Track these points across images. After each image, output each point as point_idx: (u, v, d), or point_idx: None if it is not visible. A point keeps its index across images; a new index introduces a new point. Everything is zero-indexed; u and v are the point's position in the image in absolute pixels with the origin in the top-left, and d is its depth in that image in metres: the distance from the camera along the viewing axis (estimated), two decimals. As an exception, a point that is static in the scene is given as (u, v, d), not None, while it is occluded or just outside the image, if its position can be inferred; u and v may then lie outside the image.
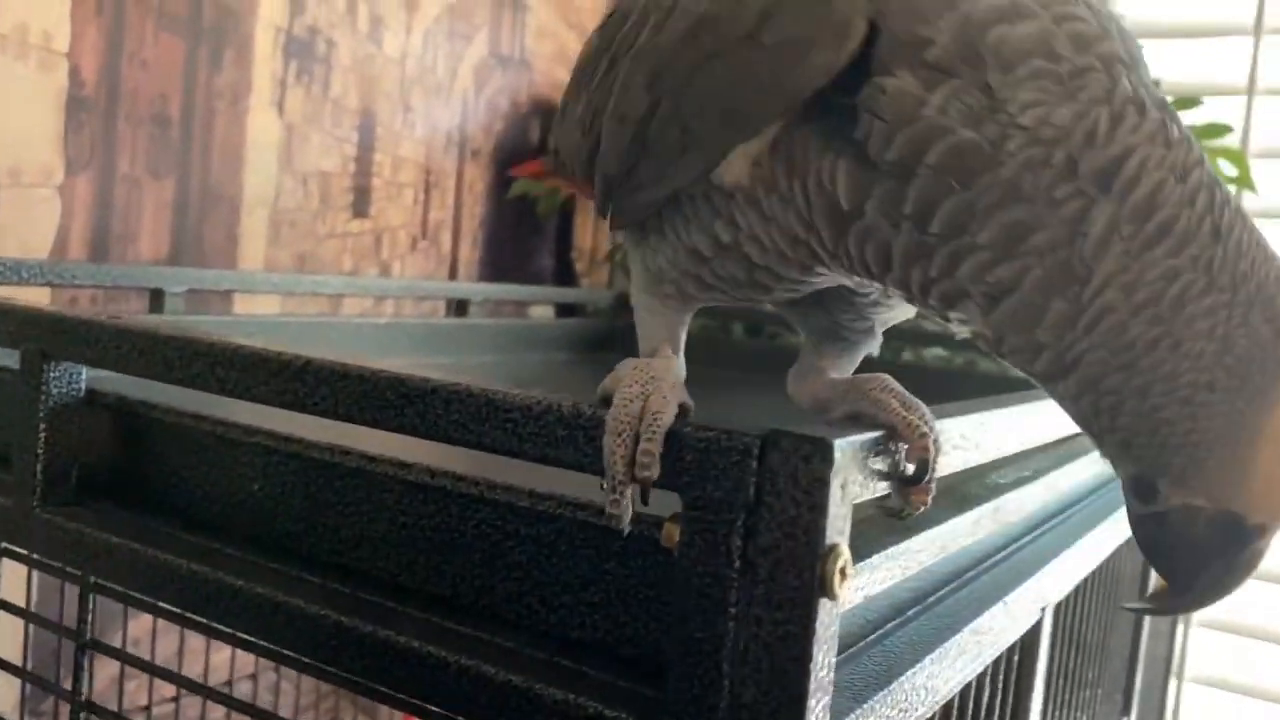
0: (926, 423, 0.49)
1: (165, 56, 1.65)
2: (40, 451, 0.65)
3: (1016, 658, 0.72)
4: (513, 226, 2.26)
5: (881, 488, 0.46)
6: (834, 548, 0.41)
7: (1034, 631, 0.73)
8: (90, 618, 0.66)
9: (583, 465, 0.46)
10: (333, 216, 1.92)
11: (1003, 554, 0.75)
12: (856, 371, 0.62)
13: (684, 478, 0.43)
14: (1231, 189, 1.65)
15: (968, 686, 0.61)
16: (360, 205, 1.96)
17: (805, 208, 0.53)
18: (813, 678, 0.41)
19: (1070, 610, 0.87)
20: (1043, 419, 0.62)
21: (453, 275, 2.13)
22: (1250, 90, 2.01)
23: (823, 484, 0.41)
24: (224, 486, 0.64)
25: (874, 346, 0.65)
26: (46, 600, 0.96)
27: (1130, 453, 0.50)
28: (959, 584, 0.67)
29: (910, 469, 0.48)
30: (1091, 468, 0.89)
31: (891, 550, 0.48)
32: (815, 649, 0.41)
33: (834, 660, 0.43)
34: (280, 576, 0.58)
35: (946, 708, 0.58)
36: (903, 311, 0.64)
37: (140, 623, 1.20)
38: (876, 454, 0.45)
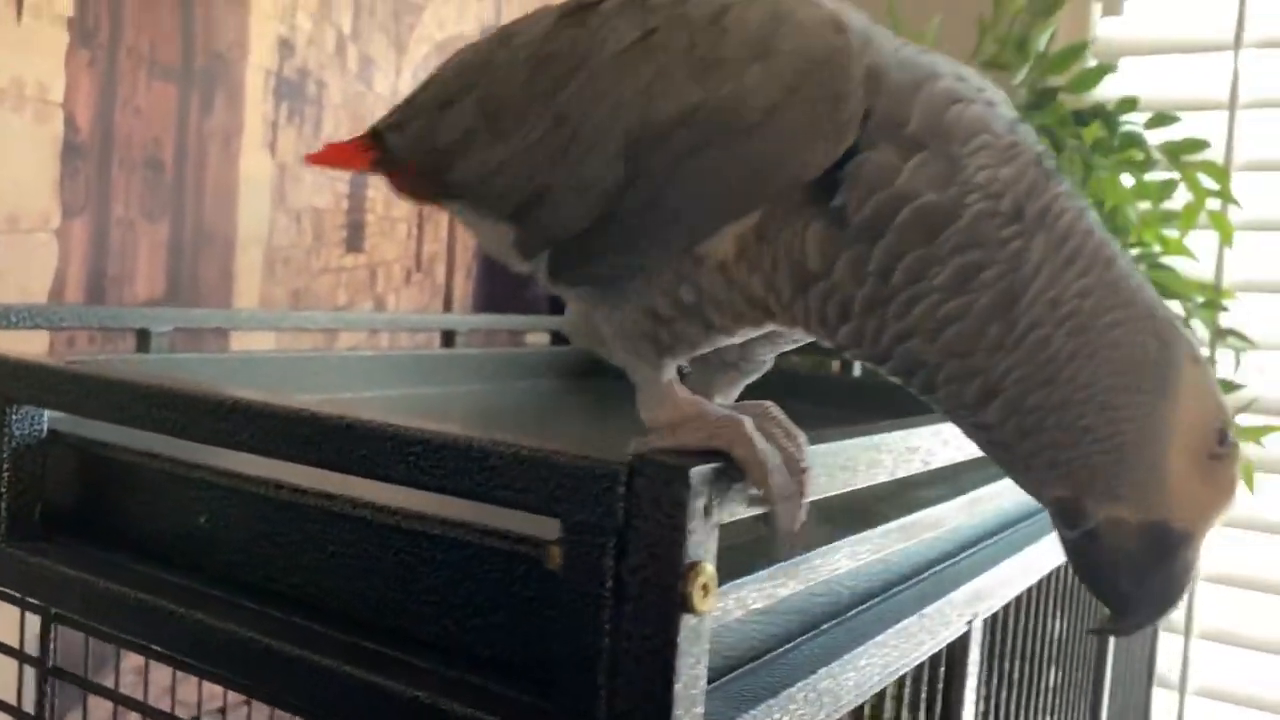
0: (802, 453, 0.53)
1: (157, 103, 1.70)
2: (4, 490, 0.69)
3: (943, 667, 0.74)
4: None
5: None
6: (694, 566, 0.44)
7: (961, 642, 0.76)
8: (52, 647, 0.69)
9: (479, 494, 0.49)
10: (326, 252, 1.97)
11: (935, 569, 0.78)
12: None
13: (562, 504, 0.46)
14: (1215, 203, 1.67)
15: (883, 693, 0.64)
16: (354, 240, 2.01)
17: (771, 271, 0.56)
18: (678, 688, 0.44)
19: (1016, 621, 0.89)
20: (923, 444, 0.65)
21: (448, 307, 2.17)
22: (1232, 104, 2.03)
23: (682, 507, 0.44)
24: (174, 519, 0.68)
25: (762, 372, 0.68)
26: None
27: (1055, 471, 0.53)
28: (883, 598, 0.70)
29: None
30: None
31: (770, 571, 0.51)
32: (679, 661, 0.44)
33: (703, 671, 0.46)
34: (219, 604, 0.61)
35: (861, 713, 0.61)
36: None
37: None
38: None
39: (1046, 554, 0.89)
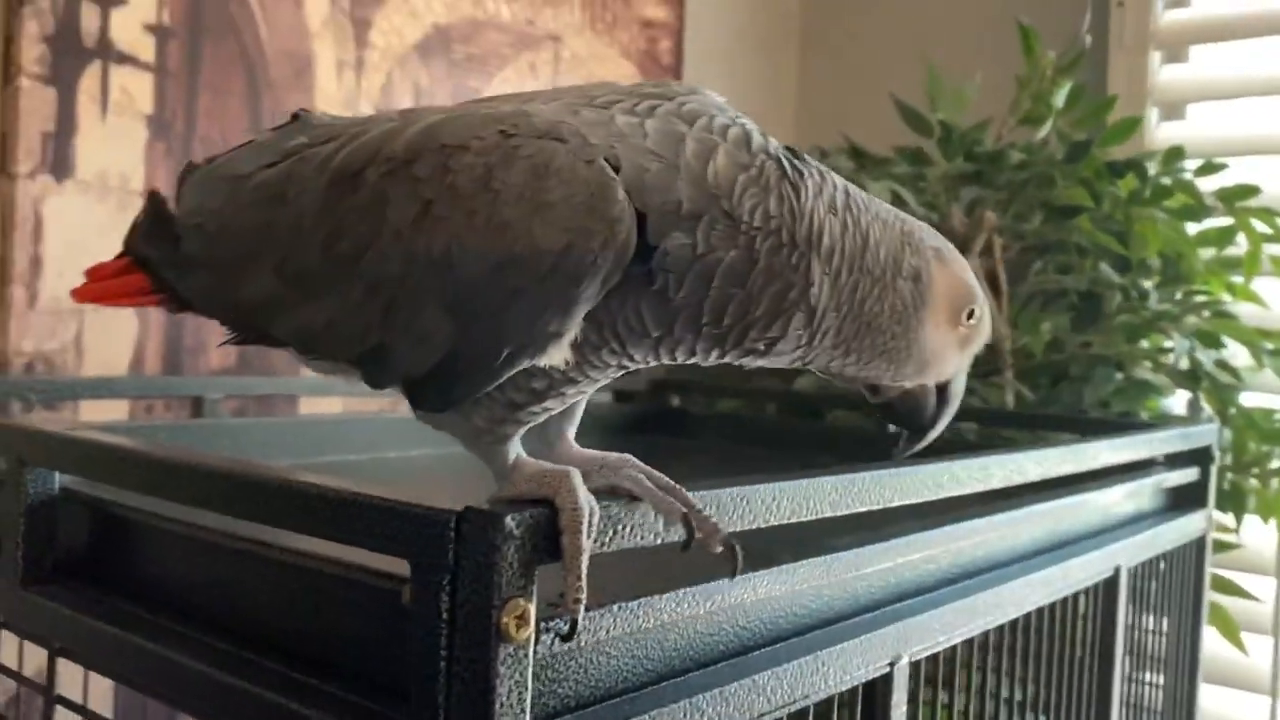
0: (681, 498, 0.61)
1: (229, 188, 1.86)
2: (20, 540, 0.81)
3: (860, 705, 0.79)
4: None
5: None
6: (508, 601, 0.51)
7: (884, 682, 0.80)
8: (54, 678, 0.80)
9: (353, 540, 0.57)
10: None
11: (865, 614, 0.83)
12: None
13: (410, 547, 0.54)
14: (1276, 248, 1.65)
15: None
16: (416, 307, 2.12)
17: (617, 343, 0.65)
18: (497, 709, 0.51)
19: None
20: (811, 492, 0.70)
21: (508, 366, 2.27)
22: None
23: (496, 549, 0.51)
24: (160, 567, 0.78)
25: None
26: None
27: (869, 373, 0.74)
28: (797, 641, 0.76)
29: (677, 535, 0.61)
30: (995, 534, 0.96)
31: (606, 609, 0.58)
32: (498, 684, 0.51)
33: (526, 694, 0.52)
34: (186, 640, 0.71)
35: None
36: None
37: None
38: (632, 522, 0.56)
39: (983, 606, 0.93)
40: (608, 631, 0.59)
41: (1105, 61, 2.34)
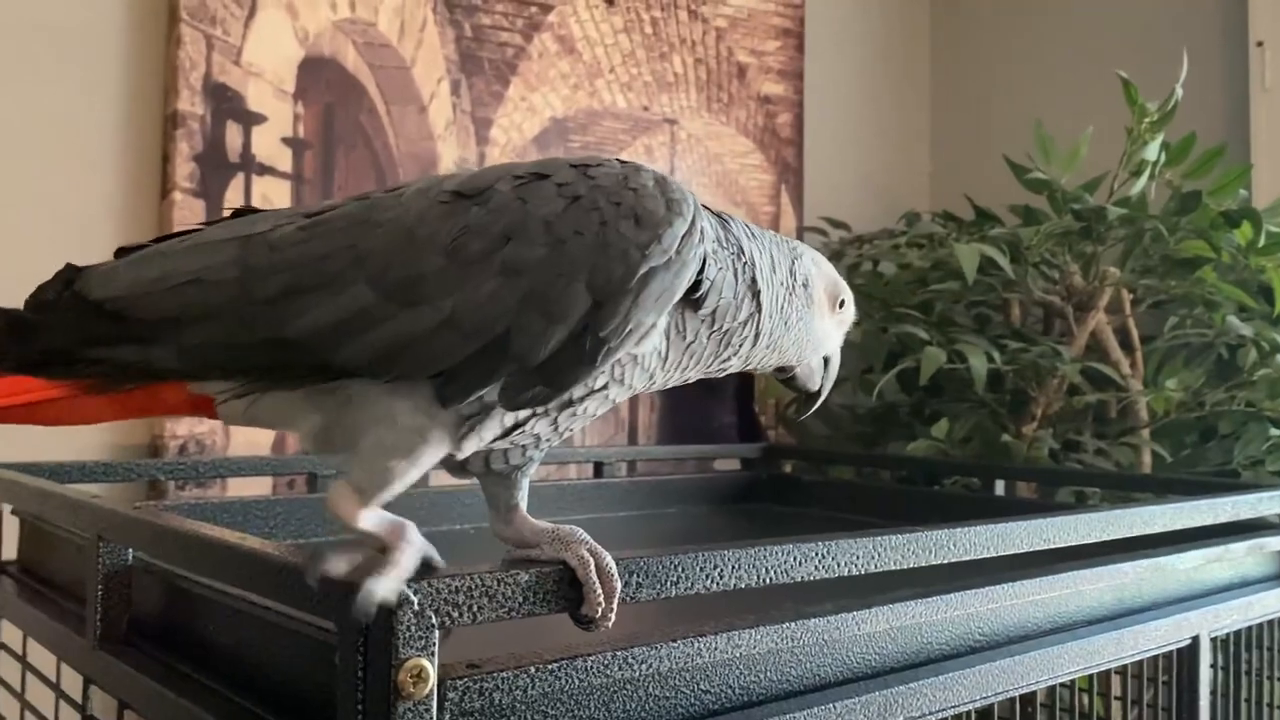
0: (613, 588, 0.69)
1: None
2: (98, 607, 0.93)
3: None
4: (691, 388, 2.45)
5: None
6: (404, 661, 0.57)
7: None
8: (122, 727, 0.91)
9: (286, 600, 0.65)
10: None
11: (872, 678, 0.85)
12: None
13: (333, 610, 0.61)
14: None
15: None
16: (539, 383, 2.23)
17: (664, 347, 0.77)
18: (396, 756, 0.57)
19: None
20: (734, 564, 0.74)
21: (632, 439, 2.35)
22: None
23: (393, 614, 0.57)
24: (209, 630, 0.88)
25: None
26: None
27: (785, 361, 0.88)
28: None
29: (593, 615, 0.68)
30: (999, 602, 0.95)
31: (512, 670, 0.63)
32: (397, 735, 0.57)
33: (428, 745, 0.58)
34: (216, 698, 0.80)
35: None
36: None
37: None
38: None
39: (978, 682, 0.92)
40: (527, 691, 0.64)
41: (1246, 103, 2.25)
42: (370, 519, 0.68)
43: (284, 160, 1.95)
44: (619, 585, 0.68)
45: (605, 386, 0.75)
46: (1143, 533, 1.11)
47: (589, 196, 0.72)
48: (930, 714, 0.87)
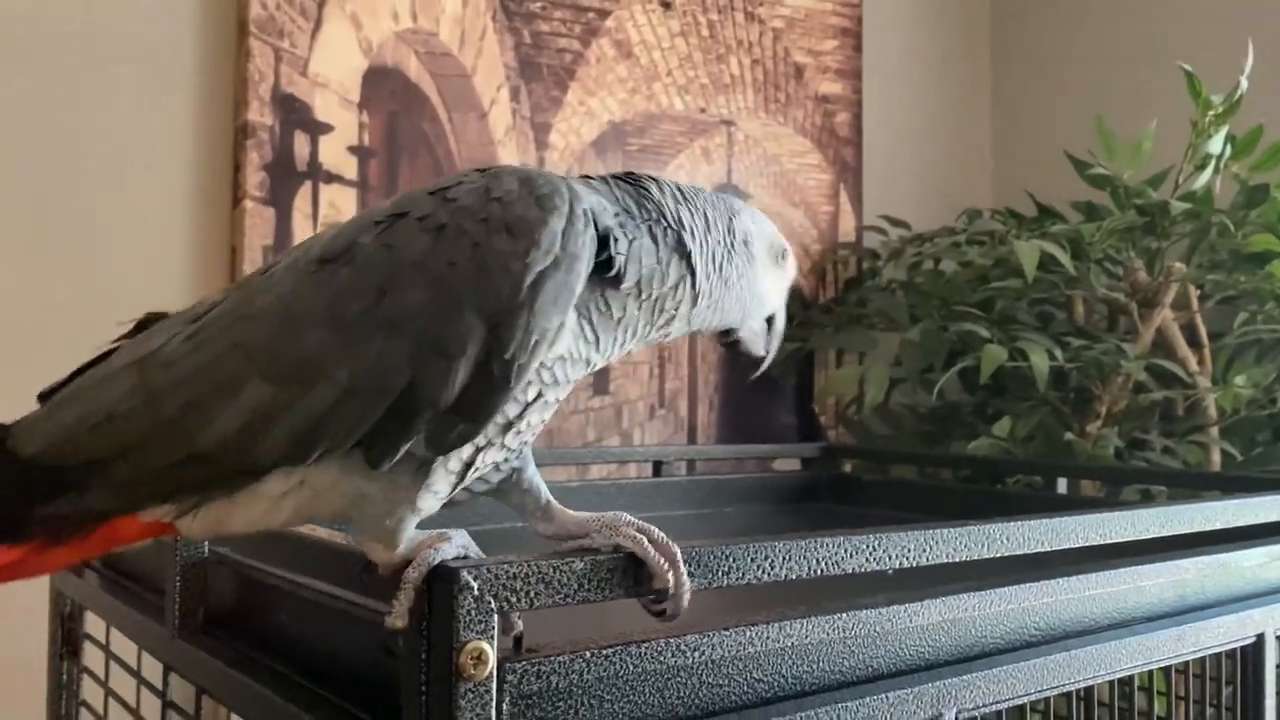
0: (673, 554, 0.69)
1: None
2: (177, 598, 0.97)
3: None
4: (750, 388, 2.47)
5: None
6: (465, 644, 0.60)
7: (924, 738, 0.82)
8: (199, 712, 0.95)
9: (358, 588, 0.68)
10: (575, 396, 2.24)
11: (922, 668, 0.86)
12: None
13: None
14: None
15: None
16: (600, 384, 2.26)
17: (591, 331, 0.77)
18: (459, 736, 0.60)
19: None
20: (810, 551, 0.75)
21: (691, 438, 2.37)
22: None
23: (454, 599, 0.60)
24: (281, 619, 0.92)
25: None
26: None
27: (728, 321, 0.87)
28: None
29: (664, 586, 0.70)
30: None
31: (568, 654, 0.65)
32: (459, 716, 0.60)
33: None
34: (282, 680, 0.84)
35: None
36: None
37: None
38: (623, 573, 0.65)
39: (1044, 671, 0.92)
40: (583, 675, 0.66)
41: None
42: (406, 546, 0.69)
43: (350, 168, 2.01)
44: (678, 551, 0.70)
45: (540, 394, 0.73)
46: (1203, 529, 1.10)
47: (454, 223, 0.69)
48: (983, 707, 0.88)
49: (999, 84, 2.97)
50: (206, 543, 0.99)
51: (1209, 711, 1.21)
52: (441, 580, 0.62)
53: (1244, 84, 1.75)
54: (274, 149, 1.93)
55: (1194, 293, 2.10)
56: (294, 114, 1.95)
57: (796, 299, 2.55)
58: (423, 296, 0.67)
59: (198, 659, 0.94)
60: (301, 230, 1.94)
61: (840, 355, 2.55)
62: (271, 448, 0.68)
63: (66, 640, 1.31)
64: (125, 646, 1.18)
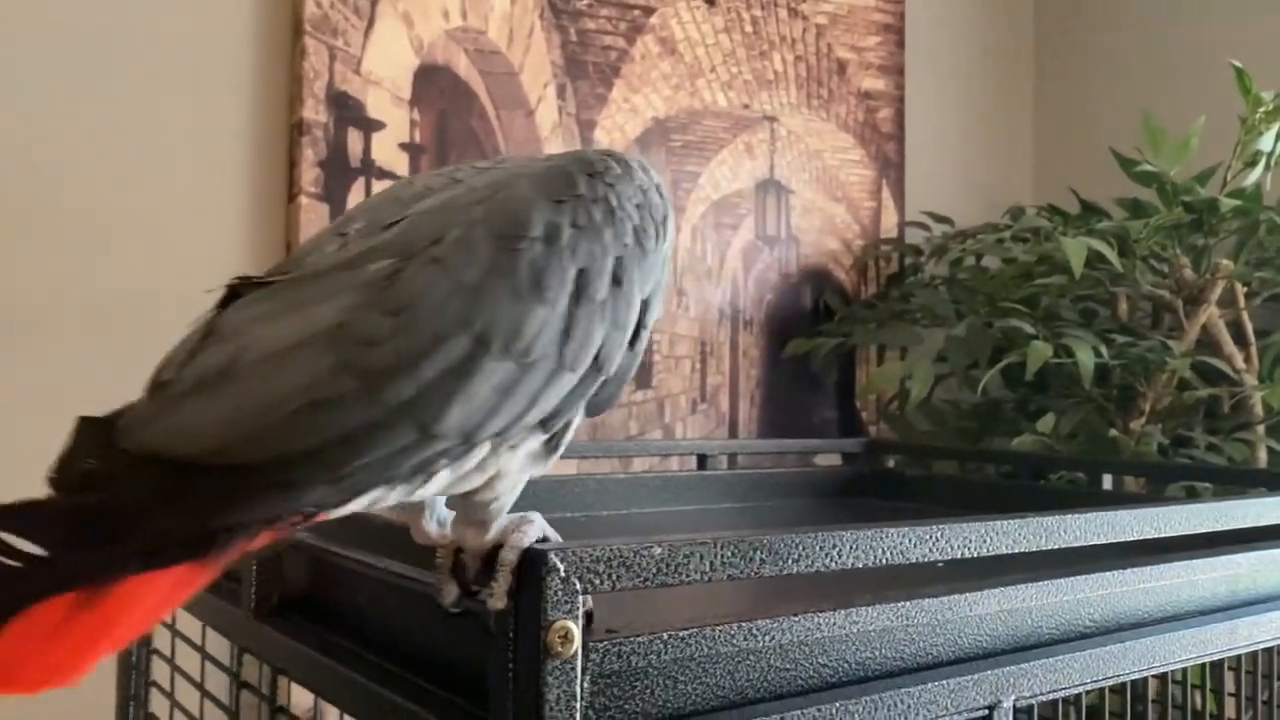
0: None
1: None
2: (253, 580, 1.00)
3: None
4: (791, 383, 2.49)
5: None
6: (552, 623, 0.63)
7: (984, 725, 0.85)
8: (275, 691, 0.99)
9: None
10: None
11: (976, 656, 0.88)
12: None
13: (486, 579, 0.67)
14: None
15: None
16: (643, 378, 2.29)
17: None
18: (547, 710, 0.62)
19: None
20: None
21: (732, 433, 2.39)
22: None
23: (542, 580, 0.63)
24: (357, 601, 0.95)
25: None
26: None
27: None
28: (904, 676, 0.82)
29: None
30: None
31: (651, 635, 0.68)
32: (547, 692, 0.62)
33: (574, 703, 0.63)
34: (359, 659, 0.87)
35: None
36: None
37: None
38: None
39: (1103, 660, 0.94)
40: (661, 656, 0.69)
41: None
42: (495, 530, 0.72)
43: (401, 165, 2.04)
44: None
45: None
46: (1256, 524, 1.11)
47: (619, 206, 0.73)
48: (1040, 695, 0.90)
49: (1041, 80, 2.96)
50: (281, 528, 1.02)
51: (1261, 710, 1.22)
52: (531, 562, 0.64)
53: (1295, 81, 1.75)
54: (328, 145, 1.97)
55: (1240, 290, 2.10)
56: (347, 111, 1.99)
57: (839, 294, 2.57)
58: (611, 277, 0.72)
59: (276, 640, 0.97)
60: (354, 225, 1.98)
61: (882, 351, 2.56)
62: (491, 426, 0.67)
63: (135, 623, 1.35)
64: (191, 627, 1.22)
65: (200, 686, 1.21)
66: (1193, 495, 1.98)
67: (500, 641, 0.65)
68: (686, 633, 0.70)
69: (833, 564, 0.77)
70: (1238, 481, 1.82)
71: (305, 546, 1.02)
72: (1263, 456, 2.06)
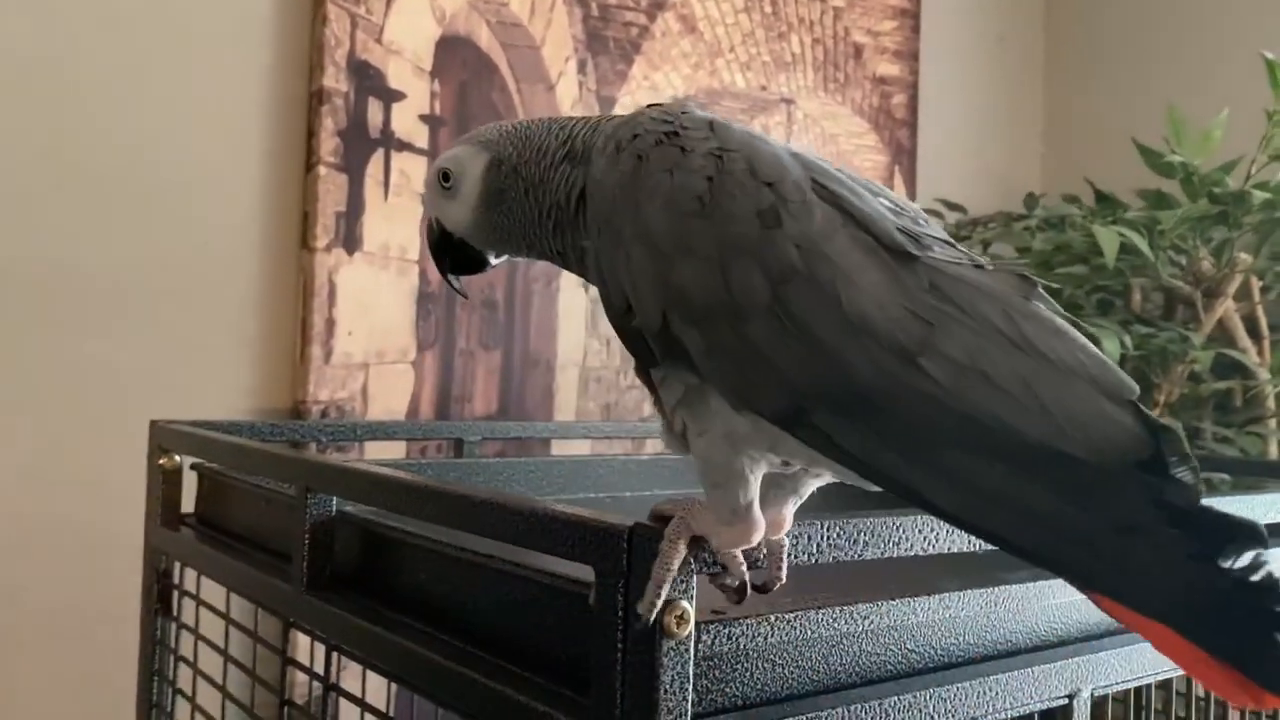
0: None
1: (490, 255, 2.08)
2: (305, 554, 0.98)
3: (1035, 736, 0.82)
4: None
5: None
6: (670, 603, 0.61)
7: (1064, 712, 0.84)
8: (330, 669, 0.96)
9: (548, 548, 0.69)
10: (633, 371, 2.24)
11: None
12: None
13: (593, 556, 0.65)
14: None
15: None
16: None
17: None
18: (661, 695, 0.60)
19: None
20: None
21: (744, 415, 2.37)
22: None
23: (654, 557, 0.61)
24: (412, 577, 0.93)
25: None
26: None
27: None
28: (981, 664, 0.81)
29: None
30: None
31: (757, 619, 0.66)
32: (662, 674, 0.61)
33: (687, 680, 0.62)
34: (424, 635, 0.85)
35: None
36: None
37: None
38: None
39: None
40: (766, 639, 0.67)
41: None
42: None
43: (421, 137, 2.01)
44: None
45: None
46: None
47: None
48: (1116, 684, 0.89)
49: (1051, 69, 2.96)
50: (335, 500, 1.00)
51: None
52: (642, 538, 0.62)
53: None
54: (348, 115, 1.93)
55: (1256, 284, 2.10)
56: (368, 81, 1.95)
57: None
58: None
59: (330, 614, 0.95)
60: (373, 197, 1.94)
61: (893, 337, 2.55)
62: None
63: (161, 597, 1.33)
64: (214, 601, 1.20)
65: (235, 660, 1.19)
66: (1210, 487, 1.99)
67: (607, 621, 0.63)
68: (792, 615, 0.69)
69: (930, 548, 0.75)
70: (1256, 473, 1.82)
71: (356, 522, 0.99)
72: (1273, 449, 2.07)
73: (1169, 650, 0.57)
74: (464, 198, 0.86)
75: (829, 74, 2.55)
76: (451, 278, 0.93)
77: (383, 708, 1.09)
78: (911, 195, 2.66)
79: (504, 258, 0.91)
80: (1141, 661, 0.90)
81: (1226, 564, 0.54)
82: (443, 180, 0.87)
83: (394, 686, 1.17)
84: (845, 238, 0.66)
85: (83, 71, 1.75)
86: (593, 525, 0.65)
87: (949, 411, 0.60)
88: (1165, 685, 1.02)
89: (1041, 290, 0.67)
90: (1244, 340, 2.07)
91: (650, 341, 0.69)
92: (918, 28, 2.68)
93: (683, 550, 0.63)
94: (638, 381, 2.39)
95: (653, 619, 0.61)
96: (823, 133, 2.52)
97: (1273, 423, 2.08)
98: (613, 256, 0.71)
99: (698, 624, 0.63)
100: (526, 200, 0.82)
